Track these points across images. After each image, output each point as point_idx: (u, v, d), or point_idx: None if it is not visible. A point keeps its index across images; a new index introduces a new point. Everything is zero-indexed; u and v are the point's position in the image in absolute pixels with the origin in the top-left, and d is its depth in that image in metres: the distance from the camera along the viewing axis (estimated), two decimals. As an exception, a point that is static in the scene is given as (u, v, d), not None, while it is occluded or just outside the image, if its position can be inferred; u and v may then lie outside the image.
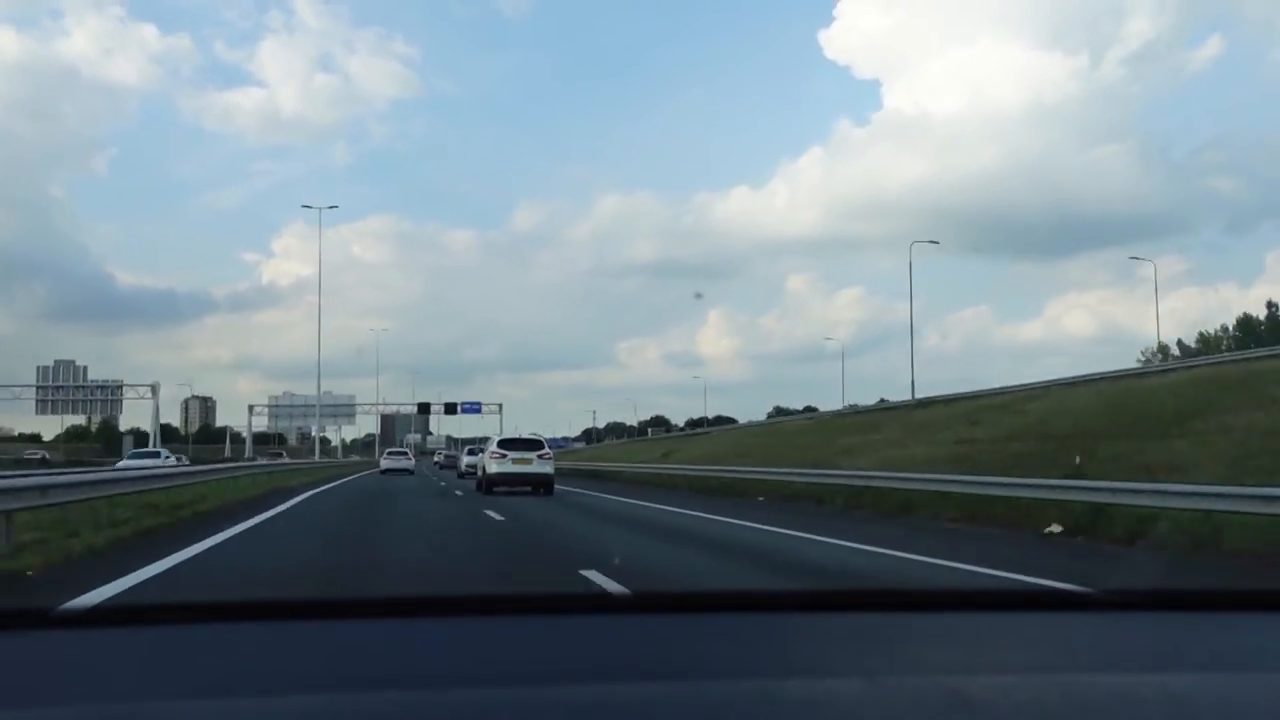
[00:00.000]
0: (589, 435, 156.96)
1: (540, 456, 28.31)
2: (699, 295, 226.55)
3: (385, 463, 56.33)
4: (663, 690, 1.24)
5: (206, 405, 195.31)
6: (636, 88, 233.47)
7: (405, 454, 60.84)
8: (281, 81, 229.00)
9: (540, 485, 27.57)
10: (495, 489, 27.12)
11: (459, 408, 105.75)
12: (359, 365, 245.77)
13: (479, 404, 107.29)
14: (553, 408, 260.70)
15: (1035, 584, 8.81)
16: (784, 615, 1.76)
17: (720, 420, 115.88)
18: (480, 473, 30.04)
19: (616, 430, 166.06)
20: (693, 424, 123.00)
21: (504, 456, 28.02)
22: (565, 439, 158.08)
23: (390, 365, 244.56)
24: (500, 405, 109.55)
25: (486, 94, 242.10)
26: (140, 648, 1.48)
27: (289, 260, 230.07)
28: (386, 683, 1.25)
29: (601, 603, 1.86)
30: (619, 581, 8.46)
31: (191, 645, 1.48)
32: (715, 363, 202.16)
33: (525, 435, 33.14)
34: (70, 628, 1.59)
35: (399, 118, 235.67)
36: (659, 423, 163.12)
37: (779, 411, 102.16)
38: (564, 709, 1.16)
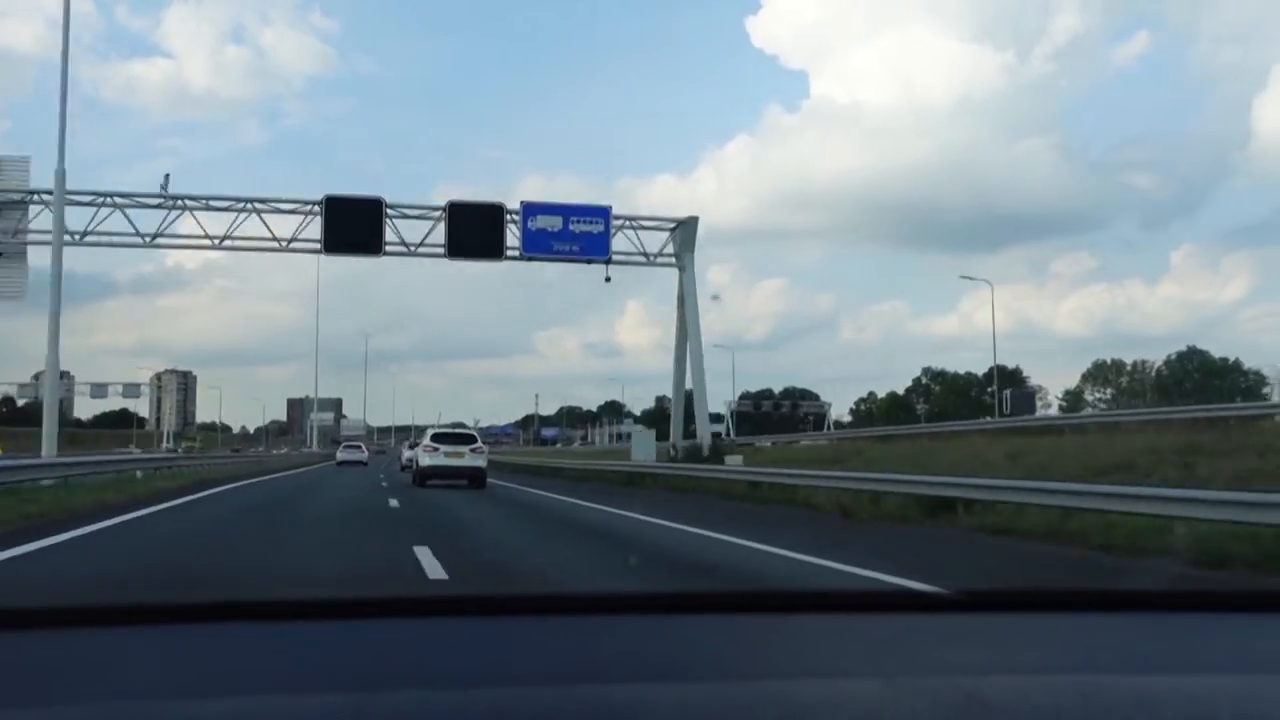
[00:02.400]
0: (527, 423, 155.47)
1: (473, 450, 28.54)
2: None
3: (341, 455, 61.81)
4: (677, 690, 1.23)
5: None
6: (560, 69, 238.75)
7: (359, 446, 67.20)
8: (190, 53, 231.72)
9: (473, 478, 27.68)
10: (428, 482, 27.31)
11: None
12: (266, 352, 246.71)
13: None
14: (466, 397, 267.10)
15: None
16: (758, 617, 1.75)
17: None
18: (414, 466, 30.49)
19: (571, 417, 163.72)
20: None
21: (437, 450, 28.18)
22: (500, 427, 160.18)
23: (299, 353, 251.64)
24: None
25: (407, 74, 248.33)
26: (139, 647, 1.47)
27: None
28: (320, 687, 1.24)
29: (592, 604, 1.78)
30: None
31: (126, 647, 1.46)
32: (634, 354, 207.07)
33: (460, 429, 36.28)
34: (12, 629, 1.52)
35: (315, 96, 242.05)
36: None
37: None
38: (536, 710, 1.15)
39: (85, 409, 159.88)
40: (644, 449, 42.86)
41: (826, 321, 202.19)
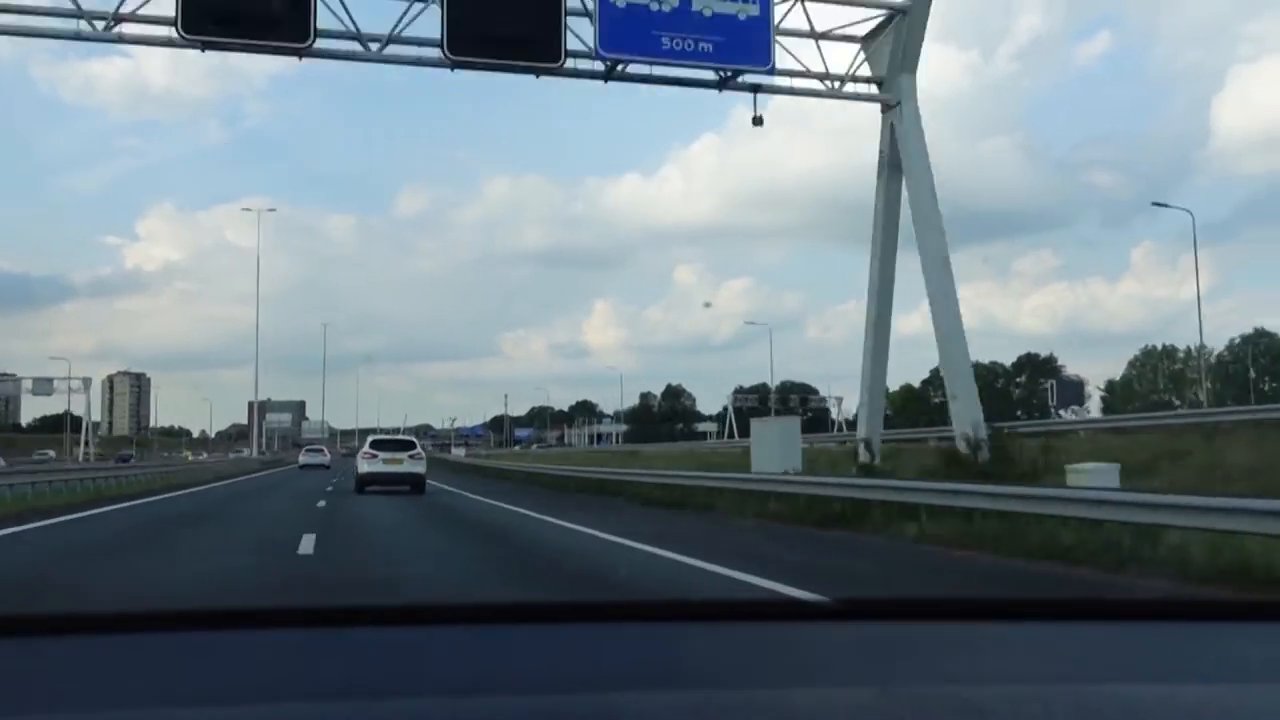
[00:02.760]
0: (498, 424, 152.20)
1: (411, 456, 28.32)
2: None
3: (304, 459, 61.79)
4: (667, 699, 1.23)
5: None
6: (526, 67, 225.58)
7: (321, 450, 67.18)
8: (149, 51, 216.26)
9: (412, 484, 27.46)
10: (367, 488, 26.89)
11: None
12: (228, 355, 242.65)
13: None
14: (430, 399, 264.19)
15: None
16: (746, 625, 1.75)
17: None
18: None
19: (540, 418, 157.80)
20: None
21: (375, 457, 27.98)
22: (472, 428, 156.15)
23: (261, 355, 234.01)
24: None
25: (370, 73, 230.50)
26: (106, 656, 1.45)
27: (156, 244, 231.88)
28: (323, 694, 1.25)
29: (592, 612, 1.76)
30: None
31: (139, 654, 1.47)
32: (602, 354, 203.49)
33: (399, 436, 35.24)
34: (12, 636, 1.53)
35: (277, 95, 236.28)
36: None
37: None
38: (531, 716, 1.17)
39: (35, 409, 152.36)
40: (778, 448, 23.70)
41: (793, 320, 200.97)
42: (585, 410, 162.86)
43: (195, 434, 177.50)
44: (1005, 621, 1.78)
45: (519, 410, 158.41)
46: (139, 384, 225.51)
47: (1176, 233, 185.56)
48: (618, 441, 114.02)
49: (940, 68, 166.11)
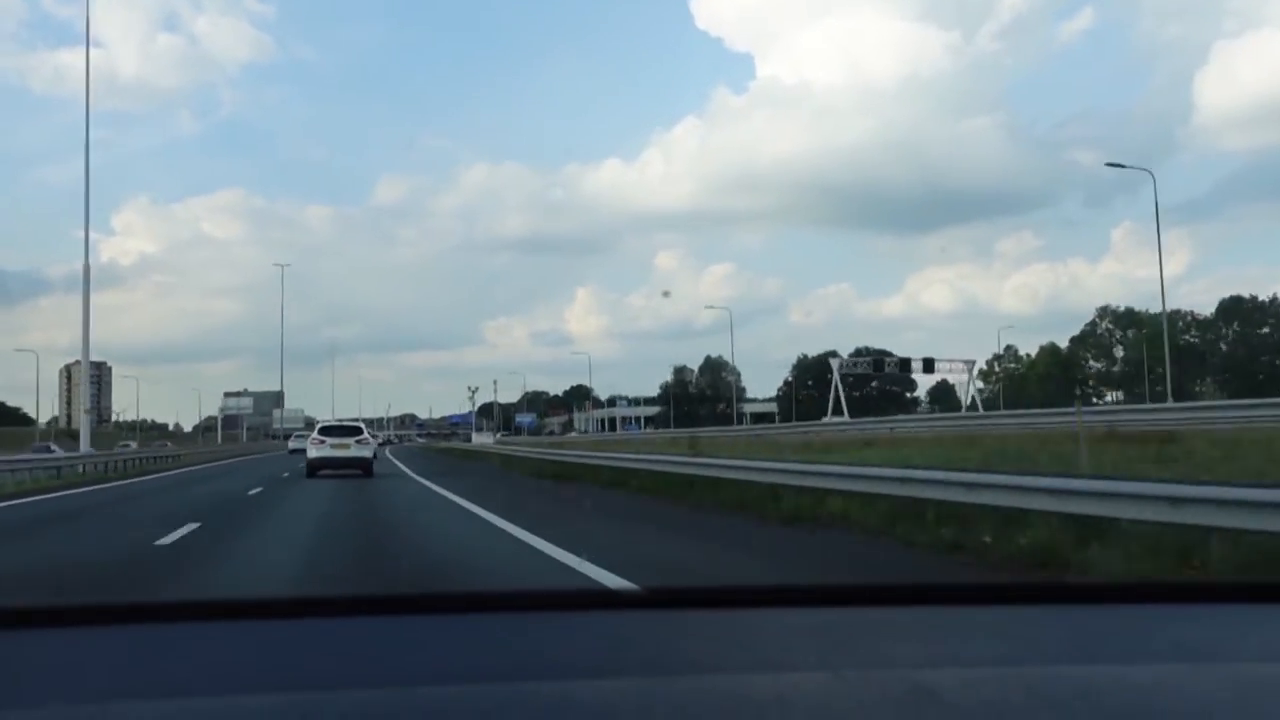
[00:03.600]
0: (487, 411, 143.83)
1: (358, 441, 30.08)
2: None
3: (293, 444, 62.21)
4: (624, 686, 1.25)
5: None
6: (503, 55, 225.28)
7: (309, 439, 61.89)
8: (120, 41, 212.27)
9: (359, 467, 29.24)
10: (318, 472, 28.72)
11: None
12: (207, 349, 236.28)
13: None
14: (413, 389, 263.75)
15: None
16: (744, 611, 1.74)
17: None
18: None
19: (536, 404, 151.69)
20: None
21: (323, 442, 29.94)
22: (463, 415, 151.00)
23: (242, 347, 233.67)
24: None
25: (345, 60, 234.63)
26: (98, 648, 1.48)
27: (131, 238, 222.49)
28: (349, 683, 1.26)
29: (574, 600, 1.80)
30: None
31: (148, 645, 1.48)
32: (584, 341, 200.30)
33: (347, 423, 35.39)
34: (19, 628, 1.56)
35: (251, 84, 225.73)
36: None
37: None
38: (523, 705, 1.18)
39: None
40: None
41: (775, 306, 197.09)
42: (581, 395, 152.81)
43: (170, 427, 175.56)
44: (959, 605, 1.79)
45: (505, 398, 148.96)
46: (99, 373, 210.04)
47: (1160, 210, 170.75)
48: (644, 426, 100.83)
49: (920, 48, 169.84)
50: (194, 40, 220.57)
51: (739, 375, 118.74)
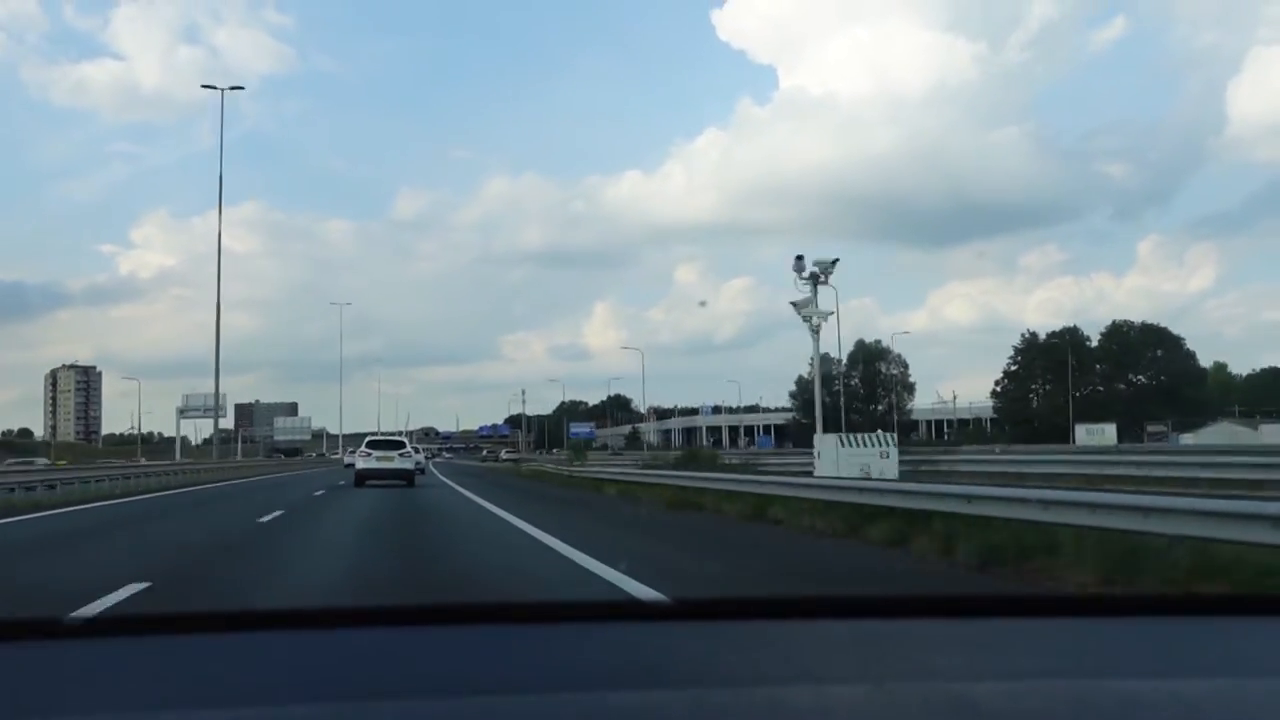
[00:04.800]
0: (516, 422, 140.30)
1: (401, 454, 32.78)
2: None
3: (347, 460, 58.87)
4: (664, 698, 1.24)
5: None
6: (525, 67, 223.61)
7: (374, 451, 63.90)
8: (140, 53, 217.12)
9: (402, 478, 31.96)
10: (366, 482, 31.38)
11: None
12: (226, 362, 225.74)
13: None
14: (432, 403, 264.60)
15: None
16: (785, 623, 1.73)
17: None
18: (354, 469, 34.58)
19: (573, 414, 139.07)
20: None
21: (370, 455, 32.88)
22: (493, 426, 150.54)
23: (261, 361, 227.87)
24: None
25: (366, 72, 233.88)
26: (149, 658, 1.49)
27: (151, 251, 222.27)
28: (383, 693, 1.27)
29: (595, 611, 1.78)
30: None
31: (199, 655, 1.50)
32: (602, 355, 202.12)
33: (392, 437, 39.68)
34: (79, 638, 1.58)
35: (271, 96, 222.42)
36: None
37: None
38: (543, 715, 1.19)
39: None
40: None
41: (794, 321, 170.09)
42: (619, 406, 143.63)
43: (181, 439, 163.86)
44: (1001, 618, 1.76)
45: (525, 411, 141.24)
46: (87, 379, 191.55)
47: (1184, 225, 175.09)
48: (779, 442, 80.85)
49: (948, 58, 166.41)
50: (215, 52, 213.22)
51: (906, 367, 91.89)
